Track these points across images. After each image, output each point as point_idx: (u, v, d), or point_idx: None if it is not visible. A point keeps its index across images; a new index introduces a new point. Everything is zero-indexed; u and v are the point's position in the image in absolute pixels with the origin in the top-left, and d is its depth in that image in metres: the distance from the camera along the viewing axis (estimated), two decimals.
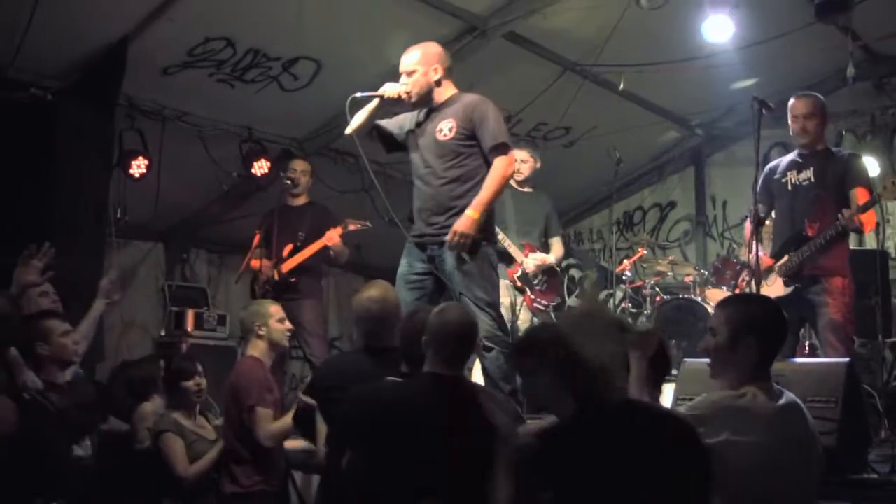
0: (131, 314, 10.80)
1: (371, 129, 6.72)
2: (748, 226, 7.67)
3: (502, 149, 6.48)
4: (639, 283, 10.76)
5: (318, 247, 9.02)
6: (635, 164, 12.71)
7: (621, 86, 10.38)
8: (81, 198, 8.52)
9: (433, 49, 6.70)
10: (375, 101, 6.56)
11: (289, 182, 9.27)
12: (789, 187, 7.31)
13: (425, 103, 6.66)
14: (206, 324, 10.17)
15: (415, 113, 6.79)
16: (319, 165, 10.07)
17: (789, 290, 7.12)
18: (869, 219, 6.99)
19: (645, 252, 10.92)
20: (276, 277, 9.00)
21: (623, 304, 10.44)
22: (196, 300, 10.65)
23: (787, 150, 7.74)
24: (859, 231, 7.08)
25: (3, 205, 7.91)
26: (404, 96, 6.53)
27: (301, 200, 9.43)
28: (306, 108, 10.04)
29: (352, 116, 6.54)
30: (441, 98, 6.65)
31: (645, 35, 9.52)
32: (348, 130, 6.66)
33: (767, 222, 7.61)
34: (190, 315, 10.09)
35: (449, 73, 6.69)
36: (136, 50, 8.48)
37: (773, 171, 7.48)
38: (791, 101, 7.35)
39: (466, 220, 6.31)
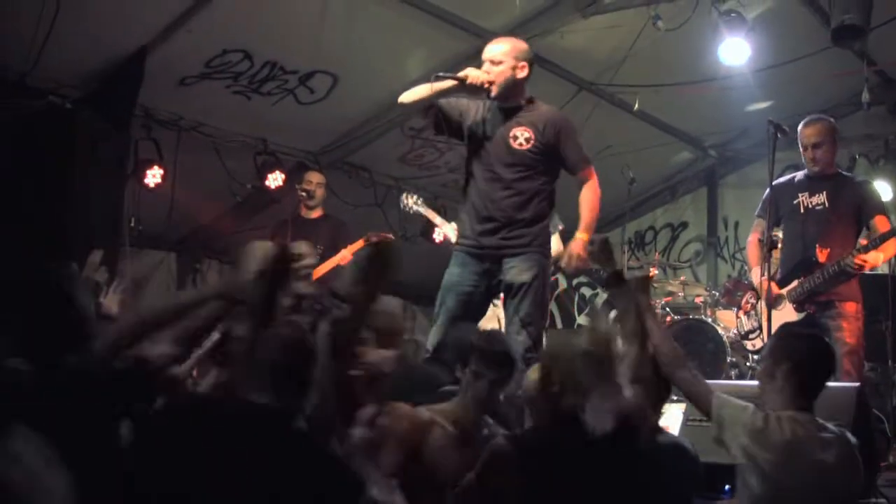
0: None
1: (430, 107, 6.45)
2: (751, 246, 7.69)
3: (589, 167, 6.53)
4: None
5: (333, 263, 8.98)
6: (648, 184, 12.73)
7: (636, 106, 10.41)
8: (96, 206, 8.54)
9: (522, 45, 6.51)
10: (451, 83, 6.30)
11: (304, 194, 9.29)
12: (801, 210, 7.31)
13: (502, 99, 6.41)
14: None
15: (480, 105, 6.53)
16: (333, 179, 10.10)
17: (801, 315, 7.12)
18: (875, 259, 6.97)
19: (656, 272, 10.91)
20: None
21: None
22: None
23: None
24: (861, 270, 7.04)
25: (18, 212, 7.94)
26: (487, 85, 6.28)
27: (316, 213, 9.42)
28: (322, 121, 10.08)
29: None
30: (518, 100, 6.46)
31: (660, 56, 9.55)
32: (402, 99, 6.39)
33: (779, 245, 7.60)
34: None
35: (531, 73, 6.47)
36: (154, 60, 8.53)
37: (783, 188, 7.44)
38: (800, 128, 7.37)
39: (580, 244, 6.30)
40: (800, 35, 9.40)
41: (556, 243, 8.39)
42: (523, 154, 6.34)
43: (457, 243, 6.62)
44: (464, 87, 6.31)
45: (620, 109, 10.73)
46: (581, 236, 6.38)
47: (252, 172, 10.03)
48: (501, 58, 6.34)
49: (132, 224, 9.48)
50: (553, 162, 6.49)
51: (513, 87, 6.39)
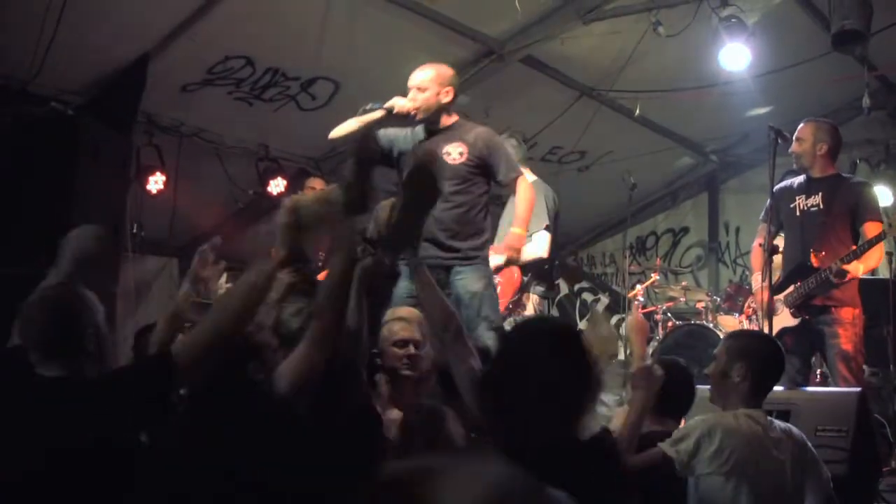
0: None
1: (361, 138, 6.53)
2: (755, 251, 7.66)
3: (520, 175, 6.71)
4: (651, 309, 10.76)
5: None
6: (649, 190, 12.75)
7: (637, 111, 10.43)
8: (98, 212, 8.52)
9: (447, 71, 6.68)
10: (380, 113, 6.52)
11: None
12: (797, 213, 7.27)
13: (429, 123, 6.62)
14: None
15: (409, 131, 6.74)
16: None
17: (797, 320, 7.10)
18: (855, 269, 6.91)
19: (658, 277, 10.92)
20: None
21: None
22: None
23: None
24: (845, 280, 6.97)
25: (21, 217, 7.95)
26: (412, 112, 6.50)
27: None
28: (324, 127, 10.02)
29: None
30: (446, 122, 6.66)
31: (661, 62, 9.58)
32: (333, 135, 6.69)
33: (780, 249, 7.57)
34: None
35: (456, 98, 6.70)
36: (157, 67, 8.56)
37: (783, 192, 7.42)
38: None
39: (516, 237, 6.66)
40: (800, 40, 9.42)
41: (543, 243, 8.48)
42: (458, 168, 6.53)
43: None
44: (391, 116, 6.55)
45: (621, 115, 10.76)
46: (515, 231, 6.71)
47: (254, 178, 10.05)
48: (427, 84, 6.54)
49: (134, 230, 9.48)
50: (485, 174, 6.68)
51: (438, 112, 6.60)
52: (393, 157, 6.73)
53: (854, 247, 6.94)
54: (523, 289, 8.16)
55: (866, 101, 8.78)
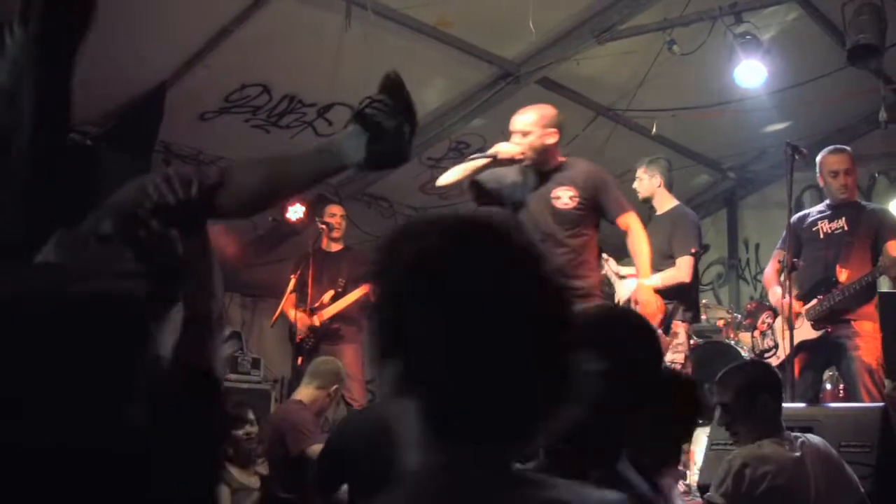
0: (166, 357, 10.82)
1: (469, 185, 6.63)
2: (769, 270, 7.73)
3: (628, 213, 6.71)
4: None
5: (360, 294, 9.04)
6: None
7: (654, 130, 10.41)
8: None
9: (549, 112, 6.63)
10: (484, 161, 6.48)
11: (325, 227, 9.34)
12: (821, 236, 7.41)
13: (538, 164, 6.57)
14: (241, 367, 10.21)
15: (517, 170, 6.68)
16: (353, 210, 10.13)
17: (817, 333, 7.14)
18: None
19: None
20: (318, 324, 9.02)
21: None
22: (230, 344, 10.67)
23: (820, 193, 7.79)
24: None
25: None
26: (517, 157, 6.45)
27: (337, 246, 9.47)
28: None
29: None
30: (554, 163, 6.62)
31: (677, 80, 9.56)
32: (440, 183, 6.64)
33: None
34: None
35: (560, 137, 6.63)
36: (174, 96, 8.59)
37: (802, 221, 7.58)
38: (824, 156, 7.48)
39: (650, 291, 6.72)
40: (815, 56, 9.41)
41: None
42: (569, 212, 6.51)
43: None
44: (496, 163, 6.49)
45: (638, 134, 10.74)
46: (648, 284, 6.70)
47: None
48: (529, 128, 6.47)
49: None
50: (596, 213, 6.68)
51: (545, 153, 6.53)
52: (502, 196, 6.69)
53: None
54: (670, 316, 8.05)
55: (883, 115, 8.80)
